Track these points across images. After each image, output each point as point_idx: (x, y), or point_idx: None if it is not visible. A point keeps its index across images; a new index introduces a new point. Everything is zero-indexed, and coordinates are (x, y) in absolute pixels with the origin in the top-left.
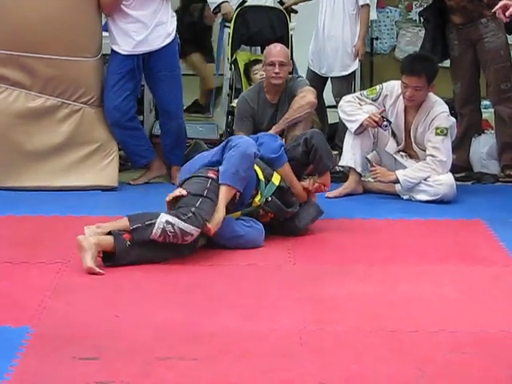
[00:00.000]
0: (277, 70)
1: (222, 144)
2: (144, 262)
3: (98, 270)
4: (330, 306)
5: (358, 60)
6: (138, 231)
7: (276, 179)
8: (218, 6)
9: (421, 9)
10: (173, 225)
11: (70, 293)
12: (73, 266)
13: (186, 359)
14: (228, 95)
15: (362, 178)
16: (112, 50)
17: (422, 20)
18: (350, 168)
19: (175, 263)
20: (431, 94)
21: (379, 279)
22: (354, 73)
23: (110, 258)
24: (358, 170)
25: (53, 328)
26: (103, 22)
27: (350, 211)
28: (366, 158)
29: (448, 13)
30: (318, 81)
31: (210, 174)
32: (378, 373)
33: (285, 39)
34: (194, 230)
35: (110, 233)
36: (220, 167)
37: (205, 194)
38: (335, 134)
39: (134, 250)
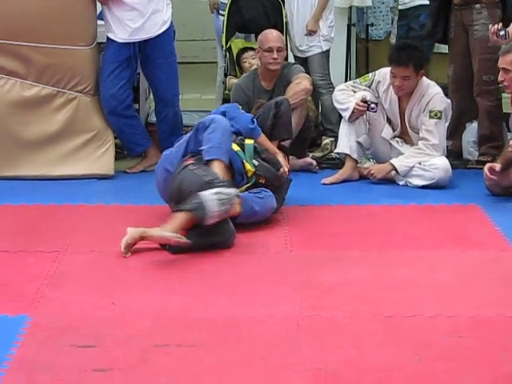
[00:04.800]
0: (275, 56)
1: (190, 133)
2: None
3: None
4: (327, 292)
5: (329, 40)
6: (197, 210)
7: (248, 141)
8: None
9: None
10: (220, 192)
11: (67, 281)
12: (70, 255)
13: (184, 346)
14: (223, 83)
15: (358, 165)
16: (108, 38)
17: None
18: (345, 155)
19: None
20: (424, 78)
21: (376, 264)
22: (328, 52)
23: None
24: (354, 156)
25: (50, 316)
26: (98, 11)
27: (346, 197)
28: (358, 141)
29: None
30: (303, 65)
31: (187, 162)
32: (375, 357)
33: (279, 26)
34: (234, 191)
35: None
36: (202, 147)
37: (201, 172)
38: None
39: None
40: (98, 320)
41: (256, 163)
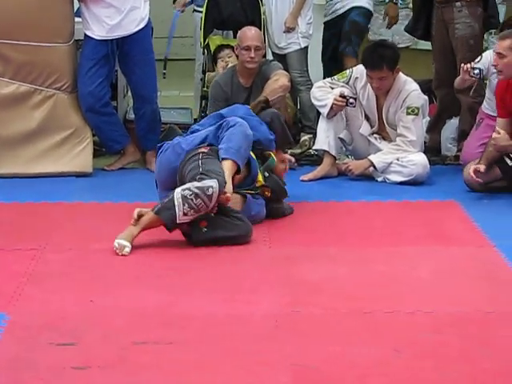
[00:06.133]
0: (252, 55)
1: (211, 128)
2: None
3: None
4: (306, 289)
5: (307, 37)
6: (162, 212)
7: (275, 155)
8: None
9: None
10: (189, 188)
11: (46, 279)
12: (48, 253)
13: (162, 343)
14: (201, 80)
15: (337, 161)
16: (86, 36)
17: None
18: (324, 151)
19: (150, 247)
20: (400, 74)
21: (354, 261)
22: (306, 48)
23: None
24: (333, 153)
25: (29, 314)
26: (76, 8)
27: (325, 194)
28: (339, 137)
29: None
30: (281, 62)
31: (201, 150)
32: (354, 354)
33: (257, 23)
34: (211, 182)
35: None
36: (221, 145)
37: (201, 163)
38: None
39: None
40: (77, 318)
41: (266, 174)
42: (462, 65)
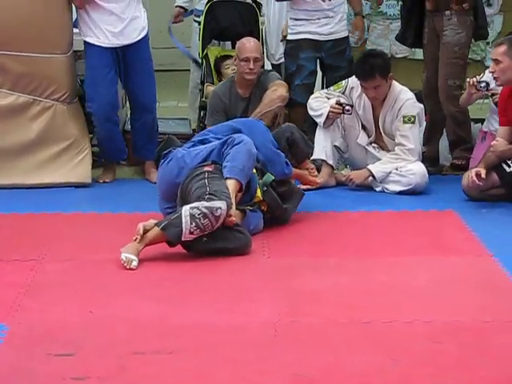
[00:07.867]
0: (251, 66)
1: (216, 143)
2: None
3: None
4: (305, 299)
5: None
6: (169, 228)
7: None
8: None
9: (390, 2)
10: (197, 207)
11: (45, 290)
12: (47, 263)
13: (162, 353)
14: (199, 90)
15: (335, 171)
16: (89, 44)
17: (400, 3)
18: (322, 161)
19: (149, 258)
20: (395, 83)
21: (353, 271)
22: None
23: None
24: (330, 162)
25: (28, 325)
26: (74, 19)
27: (323, 204)
28: (335, 145)
29: None
30: (279, 72)
31: (206, 168)
32: (353, 363)
33: (255, 33)
34: (220, 203)
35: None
36: (225, 163)
37: (207, 182)
38: None
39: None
40: (76, 328)
41: (265, 188)
42: (468, 79)
